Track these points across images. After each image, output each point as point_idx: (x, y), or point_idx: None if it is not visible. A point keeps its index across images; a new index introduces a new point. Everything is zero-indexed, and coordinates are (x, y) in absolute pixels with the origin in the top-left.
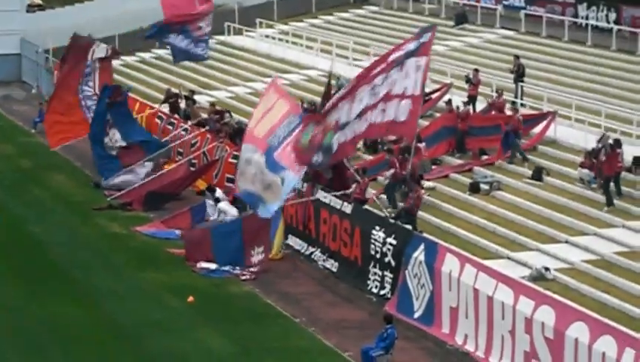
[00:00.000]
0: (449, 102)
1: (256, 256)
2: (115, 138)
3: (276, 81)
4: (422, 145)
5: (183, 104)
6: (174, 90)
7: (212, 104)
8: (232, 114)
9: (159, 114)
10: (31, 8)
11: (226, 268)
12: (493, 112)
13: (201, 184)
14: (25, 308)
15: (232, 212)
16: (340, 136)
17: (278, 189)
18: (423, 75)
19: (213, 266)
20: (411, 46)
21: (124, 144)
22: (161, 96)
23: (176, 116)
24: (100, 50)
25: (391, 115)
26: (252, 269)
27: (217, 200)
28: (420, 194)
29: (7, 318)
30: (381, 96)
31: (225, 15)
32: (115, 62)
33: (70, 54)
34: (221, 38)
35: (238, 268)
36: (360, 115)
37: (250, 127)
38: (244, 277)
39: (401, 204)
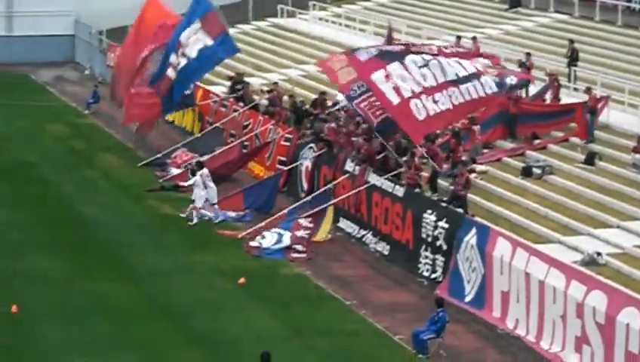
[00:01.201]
0: None
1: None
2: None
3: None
4: (476, 127)
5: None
6: (234, 73)
7: (274, 83)
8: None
9: (212, 95)
10: None
11: (275, 246)
12: (547, 97)
13: (254, 166)
14: (73, 285)
15: (205, 185)
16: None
17: None
18: None
19: (264, 244)
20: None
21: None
22: (214, 79)
23: (230, 98)
24: None
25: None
26: (300, 247)
27: (194, 173)
28: (467, 176)
29: (56, 294)
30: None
31: None
32: None
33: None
34: (274, 20)
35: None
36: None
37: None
38: (295, 255)
39: (450, 188)
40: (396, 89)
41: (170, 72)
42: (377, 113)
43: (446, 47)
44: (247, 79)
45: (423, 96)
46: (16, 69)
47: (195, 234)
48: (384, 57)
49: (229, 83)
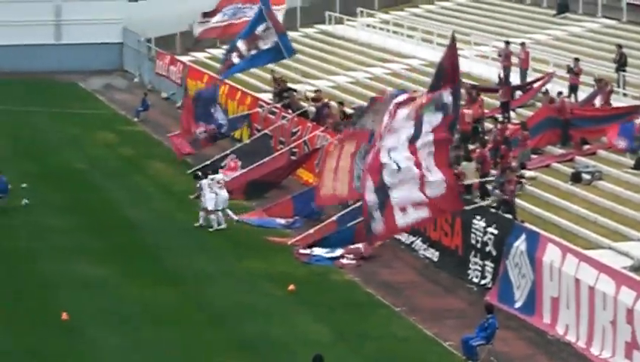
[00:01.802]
0: (546, 92)
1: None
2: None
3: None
4: (525, 133)
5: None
6: (280, 79)
7: (317, 91)
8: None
9: (260, 103)
10: None
11: (327, 255)
12: (597, 102)
13: (303, 173)
14: (120, 289)
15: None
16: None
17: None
18: None
19: (315, 252)
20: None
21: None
22: (263, 86)
23: (278, 105)
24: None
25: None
26: (352, 256)
27: (199, 178)
28: (515, 182)
29: (102, 297)
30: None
31: (326, 4)
32: (217, 52)
33: None
34: (322, 27)
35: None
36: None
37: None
38: (345, 261)
39: (498, 193)
40: None
41: (235, 58)
42: None
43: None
44: (295, 86)
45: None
46: (65, 77)
47: (244, 241)
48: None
49: (274, 86)
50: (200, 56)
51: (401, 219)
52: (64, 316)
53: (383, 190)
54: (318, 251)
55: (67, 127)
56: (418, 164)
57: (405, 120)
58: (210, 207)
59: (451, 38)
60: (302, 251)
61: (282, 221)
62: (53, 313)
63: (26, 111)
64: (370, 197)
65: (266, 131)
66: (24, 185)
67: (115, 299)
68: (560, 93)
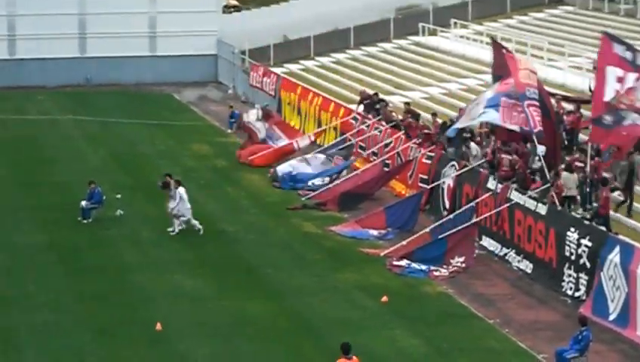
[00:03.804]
0: None
1: (454, 265)
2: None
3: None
4: None
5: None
6: (369, 92)
7: (407, 103)
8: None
9: (354, 115)
10: (227, 9)
11: (422, 267)
12: None
13: (396, 184)
14: (214, 301)
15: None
16: None
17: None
18: None
19: (408, 264)
20: None
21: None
22: (356, 97)
23: (370, 117)
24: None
25: None
26: (446, 269)
27: (179, 184)
28: (608, 194)
29: (197, 310)
30: None
31: (419, 16)
32: (310, 63)
33: None
34: (416, 38)
35: (432, 266)
36: None
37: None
38: (437, 275)
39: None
40: None
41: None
42: (538, 120)
43: None
44: (387, 97)
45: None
46: (160, 88)
47: (336, 253)
48: None
49: (367, 100)
50: (293, 67)
51: None
52: (158, 327)
53: None
54: (411, 263)
55: (162, 138)
56: None
57: None
58: (188, 215)
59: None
60: (395, 263)
61: (375, 232)
62: (147, 324)
63: (120, 123)
64: None
65: (346, 135)
66: (119, 196)
67: (208, 310)
68: None
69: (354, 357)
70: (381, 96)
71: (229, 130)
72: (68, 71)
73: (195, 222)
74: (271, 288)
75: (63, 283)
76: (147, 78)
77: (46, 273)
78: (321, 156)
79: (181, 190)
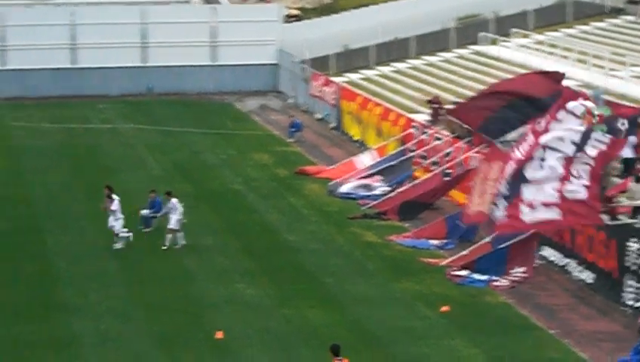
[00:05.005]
0: None
1: (515, 275)
2: None
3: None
4: None
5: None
6: (438, 98)
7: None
8: None
9: (414, 124)
10: (288, 19)
11: (482, 277)
12: None
13: (456, 194)
14: (275, 309)
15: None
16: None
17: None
18: None
19: (469, 274)
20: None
21: None
22: (417, 107)
23: (431, 126)
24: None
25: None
26: (506, 280)
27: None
28: None
29: (258, 318)
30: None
31: (479, 25)
32: (371, 73)
33: None
34: (476, 48)
35: (493, 276)
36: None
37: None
38: (498, 284)
39: None
40: None
41: None
42: None
43: (539, 122)
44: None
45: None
46: (221, 97)
47: (397, 262)
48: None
49: (429, 109)
50: (354, 77)
51: (527, 215)
52: (219, 335)
53: (517, 183)
54: (472, 273)
55: (223, 147)
56: (567, 168)
57: (574, 124)
58: (177, 227)
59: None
60: (455, 272)
61: (435, 242)
62: (208, 332)
63: (182, 132)
64: (503, 187)
65: (405, 146)
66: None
67: (270, 319)
68: None
69: (344, 360)
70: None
71: (290, 140)
72: (130, 80)
73: (181, 235)
74: (332, 297)
75: (124, 291)
76: (208, 87)
77: (108, 281)
78: (381, 182)
79: (173, 200)
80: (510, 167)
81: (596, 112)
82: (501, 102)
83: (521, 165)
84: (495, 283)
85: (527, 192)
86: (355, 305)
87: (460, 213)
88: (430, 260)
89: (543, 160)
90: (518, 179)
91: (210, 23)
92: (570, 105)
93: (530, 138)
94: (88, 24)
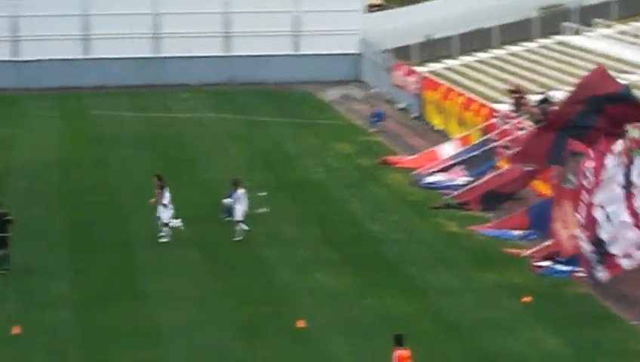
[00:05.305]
0: None
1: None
2: None
3: None
4: None
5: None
6: (520, 88)
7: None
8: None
9: (497, 114)
10: (370, 8)
11: (565, 268)
12: None
13: (539, 184)
14: (357, 299)
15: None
16: None
17: None
18: None
19: (552, 265)
20: None
21: None
22: (500, 97)
23: (513, 115)
24: None
25: None
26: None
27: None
28: None
29: (340, 308)
30: None
31: (563, 15)
32: (453, 62)
33: None
34: (559, 38)
35: (576, 267)
36: None
37: None
38: (581, 274)
39: None
40: None
41: None
42: None
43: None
44: (533, 97)
45: None
46: (302, 87)
47: (479, 252)
48: None
49: (511, 98)
50: (436, 66)
51: (626, 262)
52: (300, 324)
53: (599, 244)
54: (555, 264)
55: (305, 137)
56: (633, 212)
57: (615, 167)
58: (242, 218)
59: None
60: (538, 263)
61: (518, 232)
62: (290, 321)
63: (264, 121)
64: (588, 248)
65: (488, 136)
66: (263, 193)
67: (352, 309)
68: None
69: (406, 350)
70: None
71: (372, 129)
72: (212, 69)
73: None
74: (414, 287)
75: (206, 280)
76: (290, 76)
77: (189, 270)
78: (464, 172)
79: (239, 191)
80: (584, 233)
81: (629, 138)
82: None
83: (592, 228)
84: (578, 274)
85: (615, 249)
86: (437, 295)
87: (542, 204)
88: (512, 251)
89: (608, 217)
90: (598, 241)
91: (292, 12)
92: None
93: (585, 198)
94: (171, 13)
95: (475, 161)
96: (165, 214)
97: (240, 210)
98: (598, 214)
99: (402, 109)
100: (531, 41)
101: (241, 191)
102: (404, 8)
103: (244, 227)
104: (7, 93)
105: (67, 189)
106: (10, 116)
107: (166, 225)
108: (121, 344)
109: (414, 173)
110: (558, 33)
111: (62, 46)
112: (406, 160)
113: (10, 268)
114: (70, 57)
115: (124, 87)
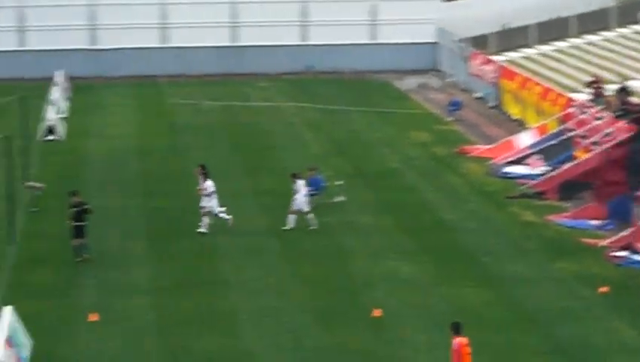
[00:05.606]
0: None
1: None
2: None
3: None
4: None
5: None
6: (599, 78)
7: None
8: None
9: (574, 103)
10: None
11: None
12: None
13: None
14: (433, 288)
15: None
16: None
17: None
18: None
19: (629, 255)
20: None
21: None
22: (578, 86)
23: (591, 104)
24: None
25: None
26: None
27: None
28: None
29: (415, 296)
30: None
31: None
32: (530, 52)
33: None
34: (637, 27)
35: None
36: None
37: None
38: None
39: None
40: None
41: None
42: None
43: None
44: (611, 87)
45: None
46: (379, 76)
47: (556, 242)
48: None
49: (588, 89)
50: (514, 56)
51: None
52: (376, 313)
53: None
54: (633, 254)
55: (381, 126)
56: None
57: None
58: (306, 208)
59: None
60: (615, 253)
61: (595, 222)
62: (365, 309)
63: (341, 110)
64: None
65: (563, 126)
66: (340, 182)
67: (427, 297)
68: None
69: (464, 339)
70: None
71: (449, 118)
72: (289, 58)
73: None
74: (489, 276)
75: (282, 268)
76: (367, 65)
77: (266, 257)
78: (541, 161)
79: (299, 182)
80: None
81: None
82: None
83: None
84: None
85: None
86: (513, 285)
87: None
88: (589, 240)
89: None
90: None
91: (370, 1)
92: None
93: None
94: (249, 2)
95: (553, 150)
96: (210, 204)
97: (299, 200)
98: None
99: (479, 98)
100: (609, 31)
101: (300, 182)
102: None
103: (312, 219)
104: (86, 81)
105: (144, 177)
106: (88, 105)
107: (208, 213)
108: (198, 331)
109: (492, 162)
110: (636, 23)
111: (140, 34)
112: (483, 149)
113: (90, 256)
114: (148, 46)
115: (204, 76)
